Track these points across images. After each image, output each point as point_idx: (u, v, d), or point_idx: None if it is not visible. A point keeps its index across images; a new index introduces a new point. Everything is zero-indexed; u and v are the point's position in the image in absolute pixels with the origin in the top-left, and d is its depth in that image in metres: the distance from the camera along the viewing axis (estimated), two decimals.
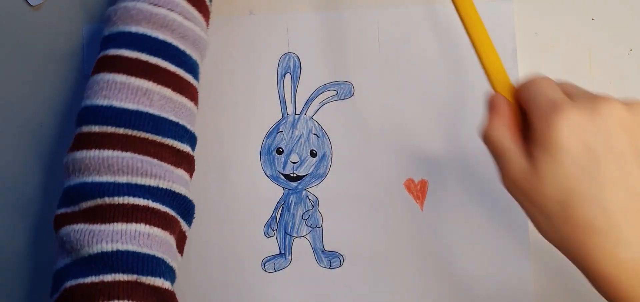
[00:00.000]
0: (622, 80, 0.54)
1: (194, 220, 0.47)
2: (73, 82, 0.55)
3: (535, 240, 0.52)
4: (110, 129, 0.41)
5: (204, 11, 0.46)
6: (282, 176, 0.54)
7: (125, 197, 0.40)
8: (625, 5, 0.54)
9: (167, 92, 0.43)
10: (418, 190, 0.54)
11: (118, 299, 0.37)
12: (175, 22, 0.43)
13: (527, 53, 0.54)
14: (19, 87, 0.55)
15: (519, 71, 0.54)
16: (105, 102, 0.41)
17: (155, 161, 0.42)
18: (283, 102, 0.54)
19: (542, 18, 0.55)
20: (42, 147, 0.55)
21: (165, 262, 0.40)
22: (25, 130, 0.55)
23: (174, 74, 0.44)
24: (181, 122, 0.44)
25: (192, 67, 0.46)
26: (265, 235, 0.53)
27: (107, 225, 0.39)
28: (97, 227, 0.39)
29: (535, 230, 0.52)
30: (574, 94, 0.35)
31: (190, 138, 0.45)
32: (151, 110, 0.42)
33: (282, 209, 0.54)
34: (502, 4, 0.54)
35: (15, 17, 0.56)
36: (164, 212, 0.41)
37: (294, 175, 0.54)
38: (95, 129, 0.41)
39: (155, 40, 0.43)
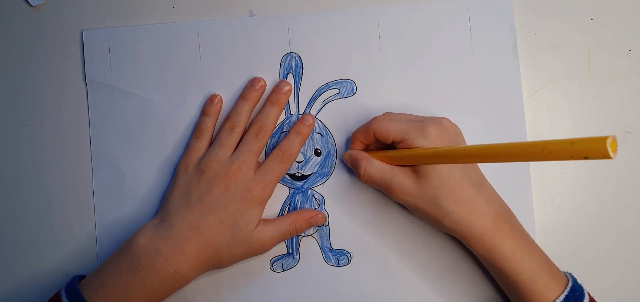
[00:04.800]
0: (620, 80, 0.55)
1: None
2: (73, 83, 0.55)
3: (540, 241, 0.53)
4: None
5: None
6: (287, 176, 0.54)
7: None
8: (624, 6, 0.55)
9: None
10: None
11: None
12: None
13: (527, 53, 0.55)
14: (19, 87, 0.55)
15: (520, 70, 0.54)
16: None
17: None
18: (286, 102, 0.54)
19: (541, 18, 0.55)
20: (42, 147, 0.55)
21: None
22: (25, 130, 0.55)
23: None
24: None
25: None
26: None
27: None
28: None
29: (539, 229, 0.52)
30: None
31: None
32: None
33: (289, 209, 0.54)
34: None
35: (16, 17, 0.55)
36: None
37: (299, 174, 0.54)
38: None
39: None
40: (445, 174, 0.46)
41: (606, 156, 0.31)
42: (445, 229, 0.47)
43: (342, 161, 0.54)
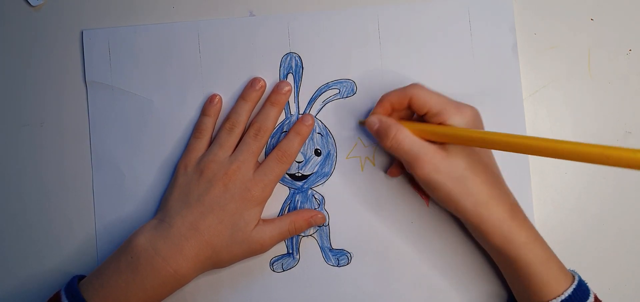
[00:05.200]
0: (620, 80, 0.55)
1: None
2: (73, 82, 0.55)
3: None
4: None
5: None
6: (287, 176, 0.54)
7: None
8: (624, 6, 0.55)
9: None
10: None
11: None
12: None
13: (527, 53, 0.55)
14: (19, 87, 0.55)
15: (520, 70, 0.54)
16: None
17: None
18: (286, 103, 0.54)
19: (541, 18, 0.55)
20: (42, 147, 0.55)
21: None
22: (25, 130, 0.55)
23: None
24: None
25: None
26: None
27: None
28: None
29: (539, 229, 0.52)
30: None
31: None
32: None
33: (289, 209, 0.54)
34: None
35: (16, 17, 0.55)
36: None
37: (299, 174, 0.54)
38: None
39: None
40: (475, 157, 0.46)
41: None
42: (462, 211, 0.46)
43: (343, 161, 0.54)
